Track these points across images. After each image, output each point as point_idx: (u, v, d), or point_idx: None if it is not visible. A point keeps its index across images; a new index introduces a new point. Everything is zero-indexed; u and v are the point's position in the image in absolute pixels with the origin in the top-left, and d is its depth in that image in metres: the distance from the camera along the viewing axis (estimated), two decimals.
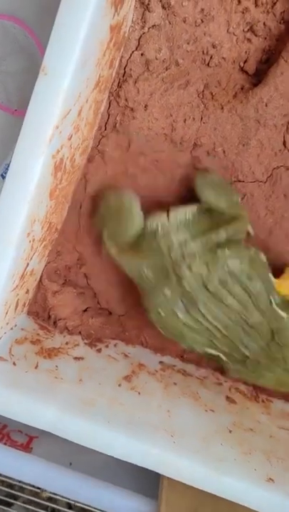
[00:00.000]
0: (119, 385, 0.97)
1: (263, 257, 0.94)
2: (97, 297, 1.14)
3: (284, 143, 1.04)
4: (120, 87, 1.03)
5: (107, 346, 1.09)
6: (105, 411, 0.89)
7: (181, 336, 0.94)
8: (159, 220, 0.93)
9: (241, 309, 0.90)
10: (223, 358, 0.97)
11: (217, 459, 0.88)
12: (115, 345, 1.10)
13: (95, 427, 0.86)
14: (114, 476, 1.10)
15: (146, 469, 0.87)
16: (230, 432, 0.96)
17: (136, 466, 0.88)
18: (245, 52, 1.07)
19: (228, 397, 1.06)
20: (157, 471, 0.87)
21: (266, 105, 1.02)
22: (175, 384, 1.04)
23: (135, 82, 1.02)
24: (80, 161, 0.98)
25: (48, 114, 0.73)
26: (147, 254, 0.92)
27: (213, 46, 1.05)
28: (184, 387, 1.04)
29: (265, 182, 1.07)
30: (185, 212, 0.94)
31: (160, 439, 0.88)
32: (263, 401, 1.11)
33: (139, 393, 0.97)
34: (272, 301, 0.91)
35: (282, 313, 0.91)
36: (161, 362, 1.10)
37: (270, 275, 0.93)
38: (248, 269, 0.89)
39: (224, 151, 1.06)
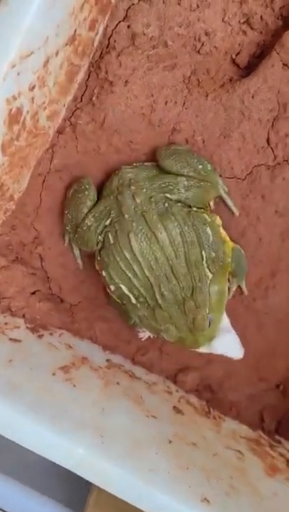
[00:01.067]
0: (54, 374, 0.87)
1: (218, 221, 0.92)
2: (49, 282, 1.05)
3: (268, 140, 0.98)
4: (102, 58, 0.97)
5: (51, 334, 0.99)
6: (30, 398, 0.79)
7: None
8: (117, 174, 0.94)
9: (171, 252, 0.85)
10: (133, 299, 0.88)
11: (148, 468, 0.78)
12: (60, 335, 1.01)
13: (14, 414, 0.76)
14: (37, 480, 0.98)
15: (77, 479, 0.77)
16: (169, 442, 0.86)
17: (67, 474, 0.78)
18: (239, 44, 1.01)
19: (175, 407, 0.97)
20: (78, 473, 0.77)
21: (253, 97, 0.96)
22: (118, 384, 0.94)
23: (118, 54, 0.96)
24: (47, 126, 0.90)
25: (4, 47, 0.66)
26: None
27: (206, 34, 0.99)
28: (128, 388, 0.94)
29: (243, 179, 1.00)
30: (146, 167, 0.94)
31: (87, 437, 0.78)
32: (214, 418, 1.01)
33: (74, 386, 0.87)
34: (204, 257, 0.86)
35: (209, 273, 0.86)
36: (108, 360, 1.01)
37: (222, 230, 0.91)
38: (191, 218, 0.87)
39: (204, 141, 0.99)
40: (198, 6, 0.98)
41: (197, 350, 0.89)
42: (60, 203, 1.02)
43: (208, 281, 0.85)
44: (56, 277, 1.05)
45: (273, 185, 0.98)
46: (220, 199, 1.00)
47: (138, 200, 0.89)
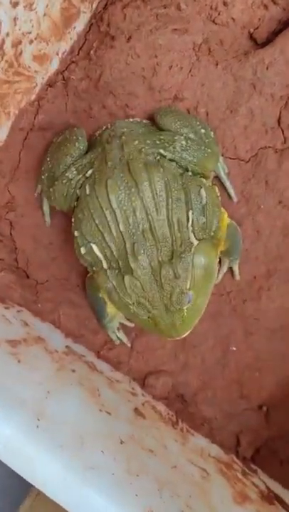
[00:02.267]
0: None
1: (217, 191, 0.79)
2: (16, 253, 0.93)
3: (279, 120, 0.87)
4: (106, 8, 0.88)
5: (6, 308, 0.86)
6: None
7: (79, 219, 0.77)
8: (109, 128, 0.85)
9: (152, 206, 0.72)
10: (104, 263, 0.74)
11: (88, 465, 0.64)
12: (18, 312, 0.88)
13: None
14: None
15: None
16: (121, 442, 0.72)
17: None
18: (259, 19, 0.92)
19: (136, 409, 0.82)
20: (2, 458, 0.62)
21: (267, 68, 0.86)
22: (73, 371, 0.81)
23: (124, 6, 0.87)
24: (33, 69, 0.81)
25: None
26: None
27: (224, 3, 0.91)
28: (84, 378, 0.80)
29: (247, 161, 0.89)
30: (142, 124, 0.85)
31: (20, 417, 0.65)
32: (182, 430, 0.86)
33: (18, 361, 0.74)
34: (190, 219, 0.73)
35: (194, 239, 0.72)
36: (68, 347, 0.87)
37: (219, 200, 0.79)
38: (184, 178, 0.76)
39: (207, 113, 0.89)
40: None
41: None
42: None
43: (192, 250, 0.71)
44: (25, 249, 0.93)
45: (280, 171, 0.87)
46: (217, 181, 0.89)
47: (126, 150, 0.78)
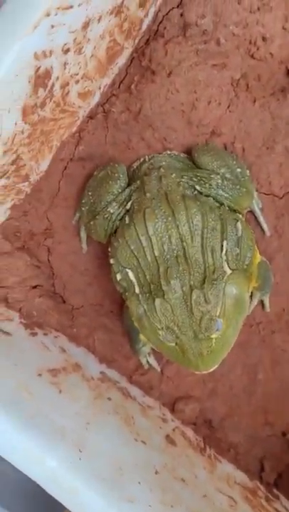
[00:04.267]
0: (39, 375, 0.78)
1: (250, 230, 0.81)
2: (54, 278, 0.96)
3: None
4: (148, 44, 0.90)
5: (45, 334, 0.89)
6: (6, 394, 0.69)
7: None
8: (147, 161, 0.89)
9: (187, 234, 0.74)
10: (137, 288, 0.76)
11: (127, 497, 0.67)
12: (56, 338, 0.91)
13: None
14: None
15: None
16: (156, 473, 0.75)
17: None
18: None
19: (168, 437, 0.85)
20: (46, 488, 0.66)
21: None
22: (109, 399, 0.84)
23: (166, 42, 0.89)
24: (77, 105, 0.83)
25: None
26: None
27: (263, 39, 0.92)
28: (119, 406, 0.84)
29: (281, 198, 0.91)
30: (180, 158, 0.88)
31: (64, 449, 0.68)
32: (209, 456, 0.89)
33: (60, 391, 0.77)
34: (225, 248, 0.75)
35: (227, 268, 0.73)
36: (102, 373, 0.90)
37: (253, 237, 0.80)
38: (221, 210, 0.78)
39: (244, 149, 0.91)
40: (258, 9, 0.91)
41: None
42: (80, 196, 0.94)
43: (225, 278, 0.72)
44: (62, 275, 0.96)
45: None
46: (251, 215, 0.91)
47: (164, 182, 0.80)
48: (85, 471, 0.67)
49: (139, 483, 0.71)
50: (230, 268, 0.74)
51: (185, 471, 0.80)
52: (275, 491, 0.93)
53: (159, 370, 0.93)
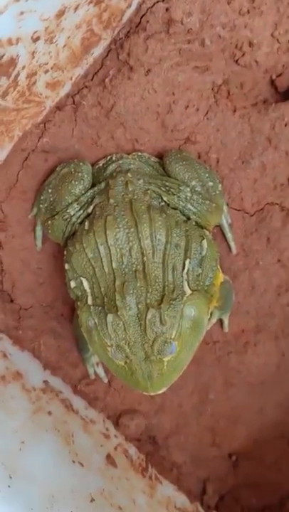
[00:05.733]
0: None
1: (216, 246, 0.76)
2: (2, 275, 0.90)
3: None
4: (128, 37, 0.83)
5: None
6: None
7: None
8: (115, 161, 0.83)
9: (149, 248, 0.70)
10: (90, 299, 0.71)
11: None
12: None
13: None
14: None
15: None
16: (91, 500, 0.70)
17: None
18: (283, 65, 0.88)
19: (109, 456, 0.81)
20: None
21: (285, 125, 0.83)
22: (50, 414, 0.79)
23: (147, 38, 0.82)
24: (44, 95, 0.77)
25: None
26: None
27: (250, 44, 0.86)
28: (60, 422, 0.79)
29: (252, 215, 0.87)
30: (150, 162, 0.83)
31: None
32: (150, 477, 0.86)
33: None
34: (186, 267, 0.70)
35: (187, 288, 0.69)
36: (45, 381, 0.85)
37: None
38: (187, 226, 0.74)
39: (218, 160, 0.86)
40: (248, 12, 0.85)
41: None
42: (39, 189, 0.87)
43: (184, 299, 0.68)
44: (12, 272, 0.90)
45: (283, 230, 0.86)
46: (219, 230, 0.86)
47: (130, 188, 0.76)
48: (13, 500, 0.62)
49: None
50: (190, 288, 0.70)
51: (123, 497, 0.76)
52: None
53: (106, 381, 0.89)
